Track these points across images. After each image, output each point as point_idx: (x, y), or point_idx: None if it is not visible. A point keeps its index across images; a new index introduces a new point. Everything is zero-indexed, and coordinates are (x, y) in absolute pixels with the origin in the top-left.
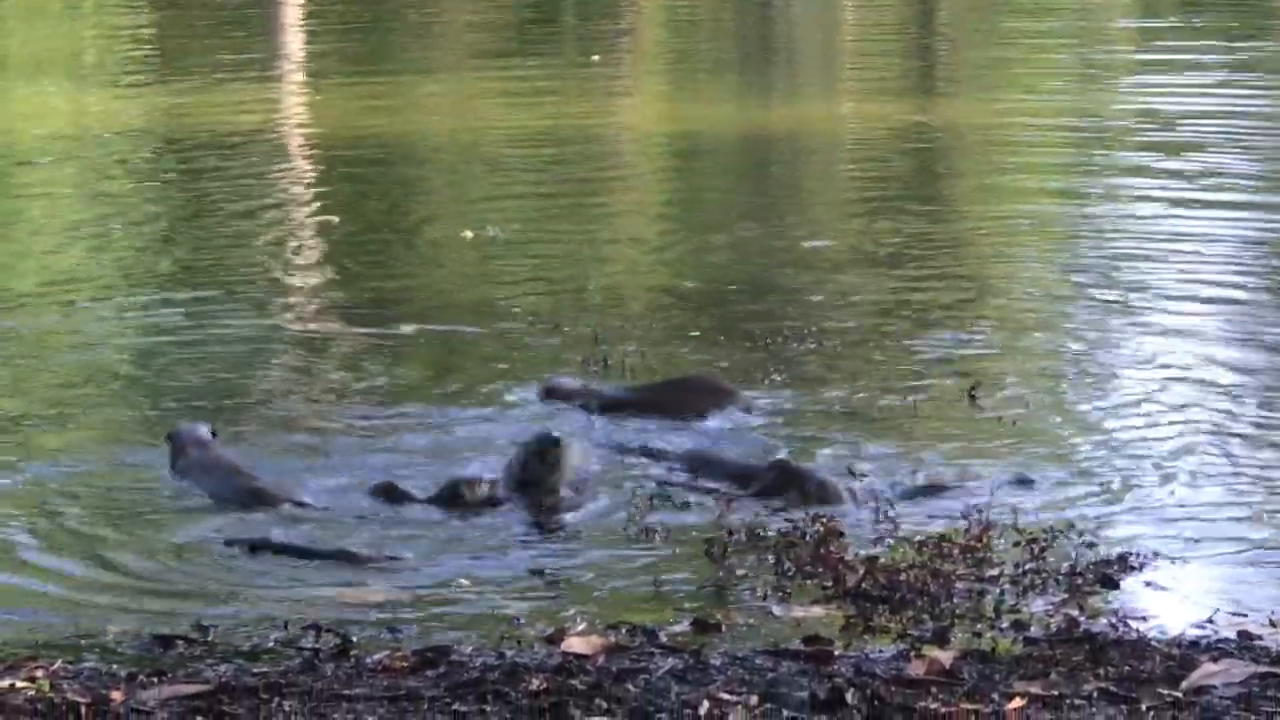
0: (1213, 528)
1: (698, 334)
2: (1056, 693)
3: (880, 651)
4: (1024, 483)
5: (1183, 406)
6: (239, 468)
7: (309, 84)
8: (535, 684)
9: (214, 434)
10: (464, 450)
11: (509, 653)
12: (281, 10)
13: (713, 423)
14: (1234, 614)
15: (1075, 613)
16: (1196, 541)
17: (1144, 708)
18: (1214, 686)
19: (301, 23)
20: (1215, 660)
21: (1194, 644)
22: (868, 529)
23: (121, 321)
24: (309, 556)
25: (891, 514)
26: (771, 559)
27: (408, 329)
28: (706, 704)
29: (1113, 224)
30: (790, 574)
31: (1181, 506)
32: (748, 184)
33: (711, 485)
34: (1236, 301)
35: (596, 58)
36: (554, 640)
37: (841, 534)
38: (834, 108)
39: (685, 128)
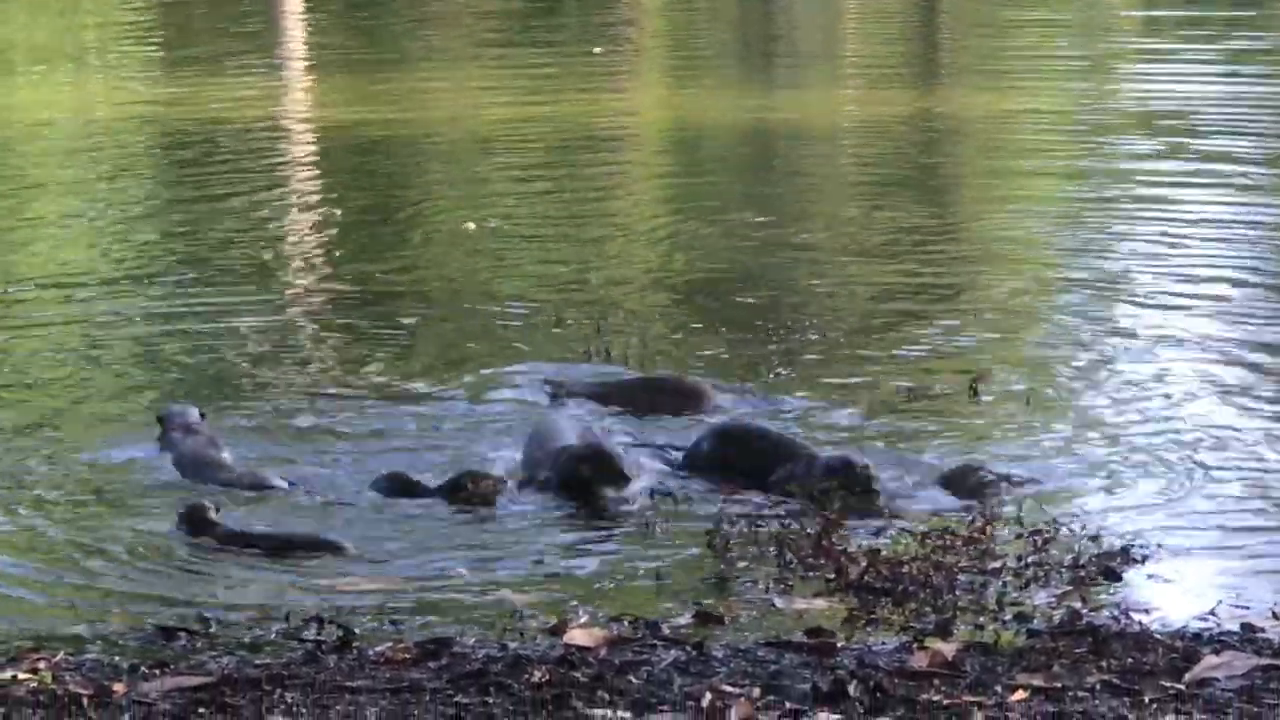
0: (1215, 520)
1: (700, 325)
2: (1059, 685)
3: (883, 644)
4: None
5: (1187, 398)
6: (212, 456)
7: (311, 75)
8: (537, 675)
9: (203, 415)
10: (463, 440)
11: (511, 644)
12: (284, 1)
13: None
14: (1236, 607)
15: (1078, 605)
16: (1199, 534)
17: (1147, 700)
18: (1216, 679)
19: (303, 14)
20: (1218, 653)
21: (1196, 636)
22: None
23: (121, 310)
24: (269, 543)
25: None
26: (773, 551)
27: (409, 319)
28: (709, 696)
29: (1116, 213)
30: (792, 566)
31: (1184, 499)
32: (749, 174)
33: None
34: (1242, 291)
35: (599, 49)
36: (556, 632)
37: (843, 526)
38: (835, 98)
39: (687, 118)
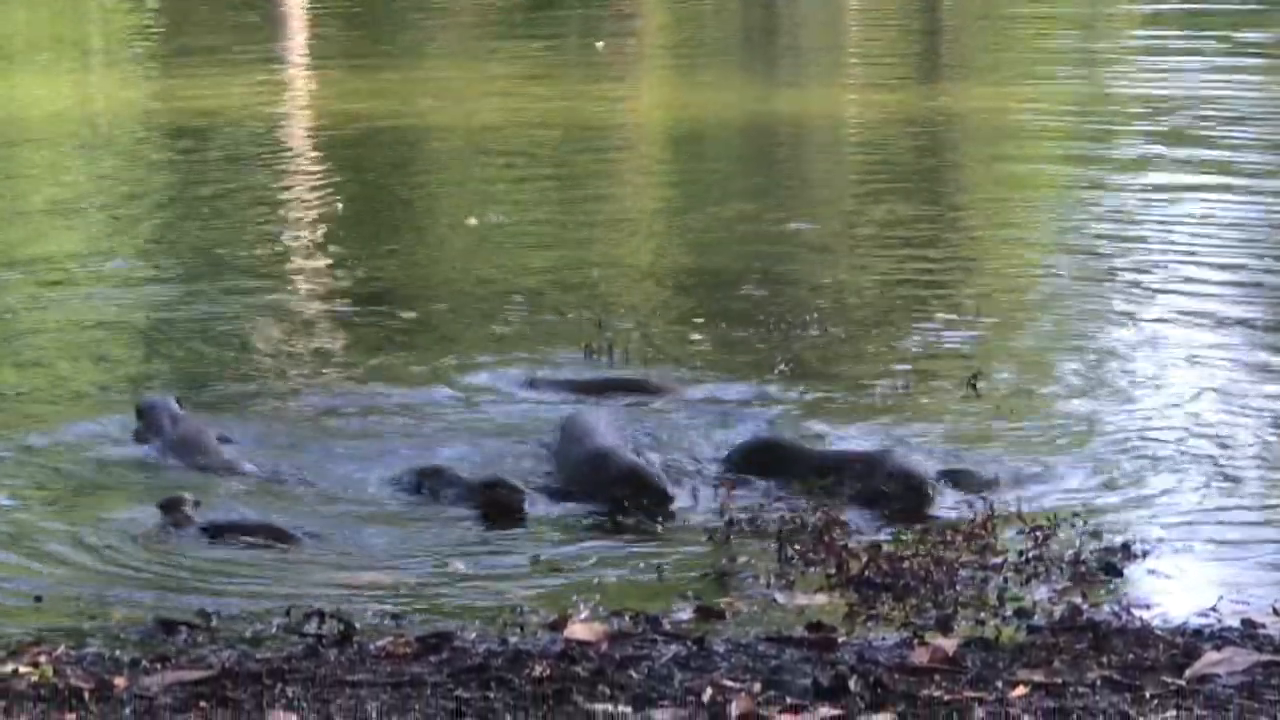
0: (1217, 516)
1: (701, 319)
2: (1060, 681)
3: (883, 639)
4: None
5: (1189, 393)
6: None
7: (312, 68)
8: (538, 670)
9: (180, 405)
10: (463, 435)
11: (512, 639)
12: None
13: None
14: (1238, 603)
15: (1078, 601)
16: (1200, 530)
17: (1147, 696)
18: (1217, 675)
19: (305, 9)
20: (1219, 649)
21: (1197, 632)
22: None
23: (120, 302)
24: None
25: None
26: (774, 546)
27: (409, 313)
28: (710, 690)
29: (1117, 209)
30: (793, 561)
31: (1186, 495)
32: (751, 169)
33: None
34: (1244, 287)
35: (601, 44)
36: (557, 627)
37: (843, 521)
38: (837, 92)
39: (689, 114)
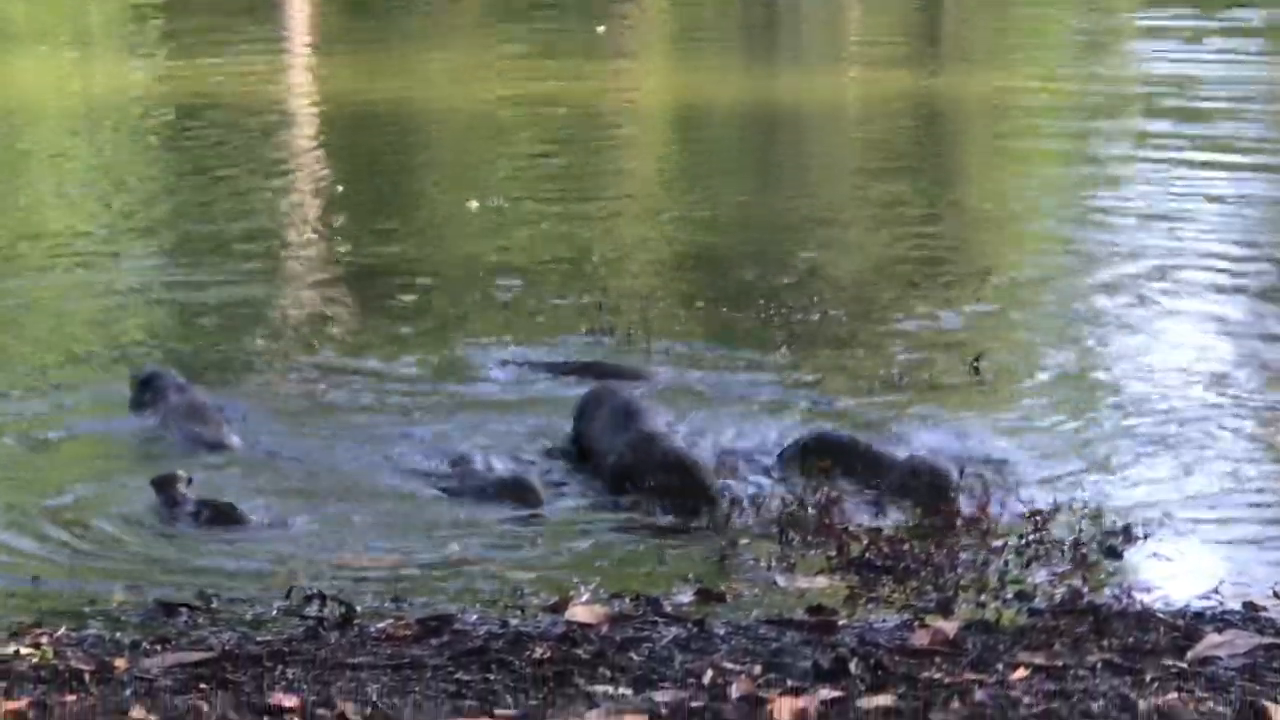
0: (1218, 499)
1: (702, 303)
2: (1060, 663)
3: (884, 621)
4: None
5: (1190, 375)
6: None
7: (313, 51)
8: (539, 652)
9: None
10: (464, 420)
11: (513, 621)
12: None
13: None
14: (1239, 585)
15: (1079, 584)
16: (1202, 513)
17: (1148, 678)
18: (1219, 657)
19: None
20: (1220, 631)
21: (1199, 615)
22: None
23: (120, 282)
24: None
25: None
26: (775, 530)
27: (410, 297)
28: (710, 673)
29: (1119, 190)
30: (794, 544)
31: (1187, 478)
32: (753, 152)
33: None
34: (1247, 266)
35: (602, 28)
36: (558, 609)
37: (844, 504)
38: (838, 75)
39: (690, 97)
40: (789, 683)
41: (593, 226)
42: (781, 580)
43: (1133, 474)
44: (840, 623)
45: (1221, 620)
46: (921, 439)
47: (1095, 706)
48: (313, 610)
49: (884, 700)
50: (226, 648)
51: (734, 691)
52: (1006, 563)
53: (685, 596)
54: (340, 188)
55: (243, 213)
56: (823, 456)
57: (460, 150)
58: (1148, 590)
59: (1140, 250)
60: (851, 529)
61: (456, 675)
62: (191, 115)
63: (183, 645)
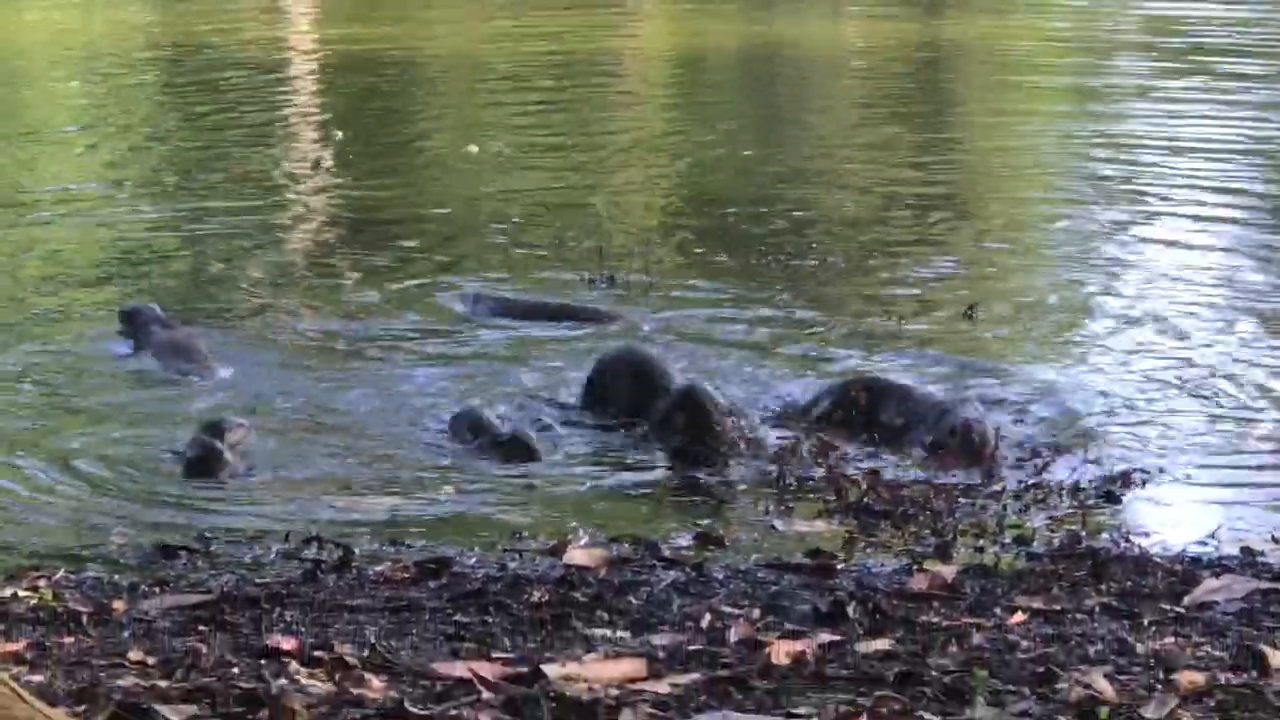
0: (1215, 445)
1: (702, 249)
2: (1058, 607)
3: (882, 566)
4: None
5: (1188, 323)
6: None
7: (317, 4)
8: (537, 595)
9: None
10: (460, 370)
11: (511, 565)
12: None
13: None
14: (1236, 531)
15: (1078, 529)
16: (1199, 458)
17: (1146, 622)
18: (1216, 602)
19: None
20: (1217, 576)
21: (1196, 560)
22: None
23: (118, 222)
24: None
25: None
26: (773, 474)
27: (410, 242)
28: (708, 616)
29: (1117, 135)
30: (792, 489)
31: (1184, 424)
32: (753, 100)
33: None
34: (1247, 214)
35: None
36: (556, 553)
37: (842, 448)
38: (839, 23)
39: (690, 44)
40: (787, 626)
41: (592, 172)
42: (780, 525)
43: (1131, 420)
44: (839, 567)
45: (1219, 565)
46: (917, 386)
47: (1093, 650)
48: (310, 553)
49: (882, 644)
50: (225, 590)
51: (732, 635)
52: (1005, 507)
53: (684, 541)
54: (339, 133)
55: (241, 156)
56: (861, 391)
57: (459, 96)
58: (1145, 535)
59: (1142, 193)
60: (850, 474)
61: (455, 618)
62: (190, 62)
63: (181, 588)
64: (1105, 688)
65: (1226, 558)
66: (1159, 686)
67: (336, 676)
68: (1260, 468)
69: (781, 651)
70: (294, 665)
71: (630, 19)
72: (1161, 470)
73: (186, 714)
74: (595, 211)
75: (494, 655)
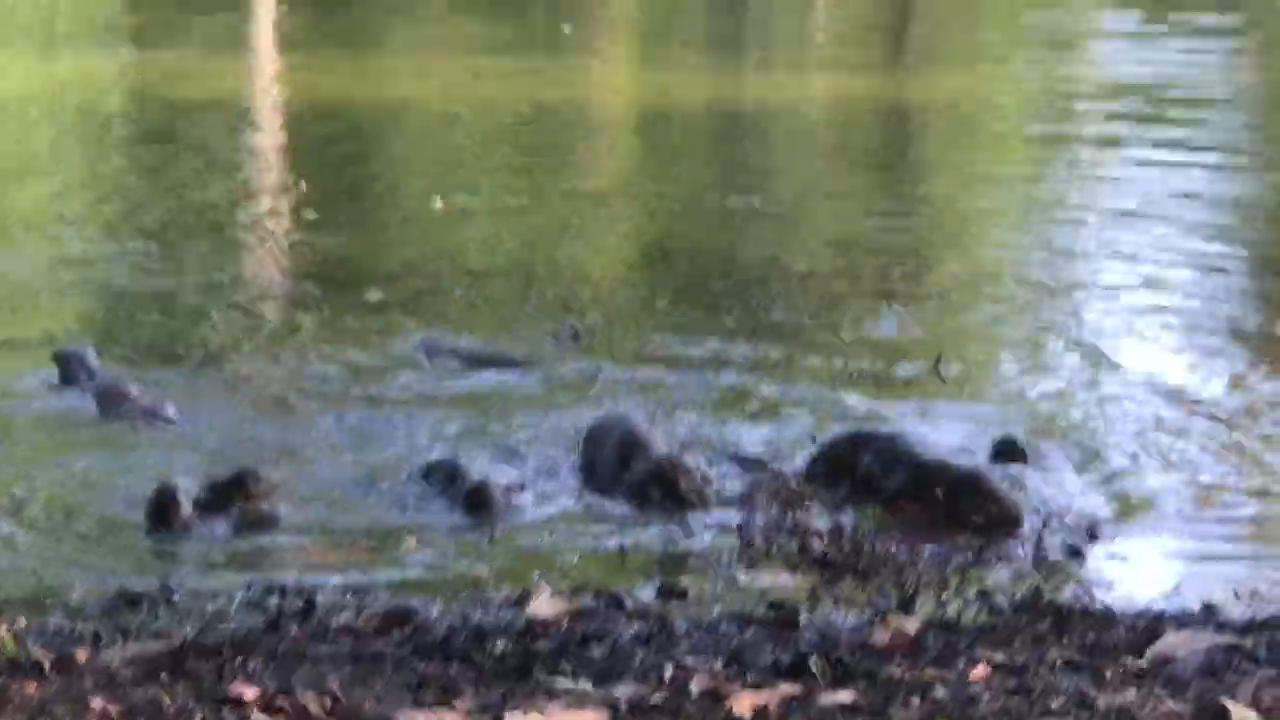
0: (1178, 500)
1: (666, 302)
2: (1020, 661)
3: (845, 619)
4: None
5: (1154, 377)
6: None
7: (278, 51)
8: (500, 646)
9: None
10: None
11: (474, 616)
12: None
13: None
14: (1199, 586)
15: (1041, 583)
16: (1162, 514)
17: (1108, 676)
18: (1178, 656)
19: None
20: (1179, 631)
21: (1158, 615)
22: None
23: (77, 271)
24: None
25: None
26: (737, 525)
27: (375, 295)
28: (671, 668)
29: (1085, 188)
30: (756, 541)
31: (1148, 479)
32: (719, 154)
33: None
34: (1211, 267)
35: (568, 27)
36: (519, 604)
37: (806, 502)
38: (806, 77)
39: (657, 97)
40: (749, 678)
41: (558, 226)
42: (743, 577)
43: (1094, 475)
44: (801, 620)
45: (1181, 620)
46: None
47: (1055, 704)
48: (273, 602)
49: (844, 697)
50: (187, 639)
51: (695, 686)
52: (968, 561)
53: (647, 593)
54: (304, 186)
55: (202, 205)
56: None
57: (425, 150)
58: (1109, 590)
59: (1106, 248)
60: (814, 526)
61: (418, 668)
62: (155, 113)
63: (143, 636)
64: None
65: (1188, 613)
66: None
67: None
68: (1223, 523)
69: (744, 703)
70: (256, 714)
71: (595, 71)
72: (1124, 526)
73: None
74: (560, 264)
75: (457, 705)
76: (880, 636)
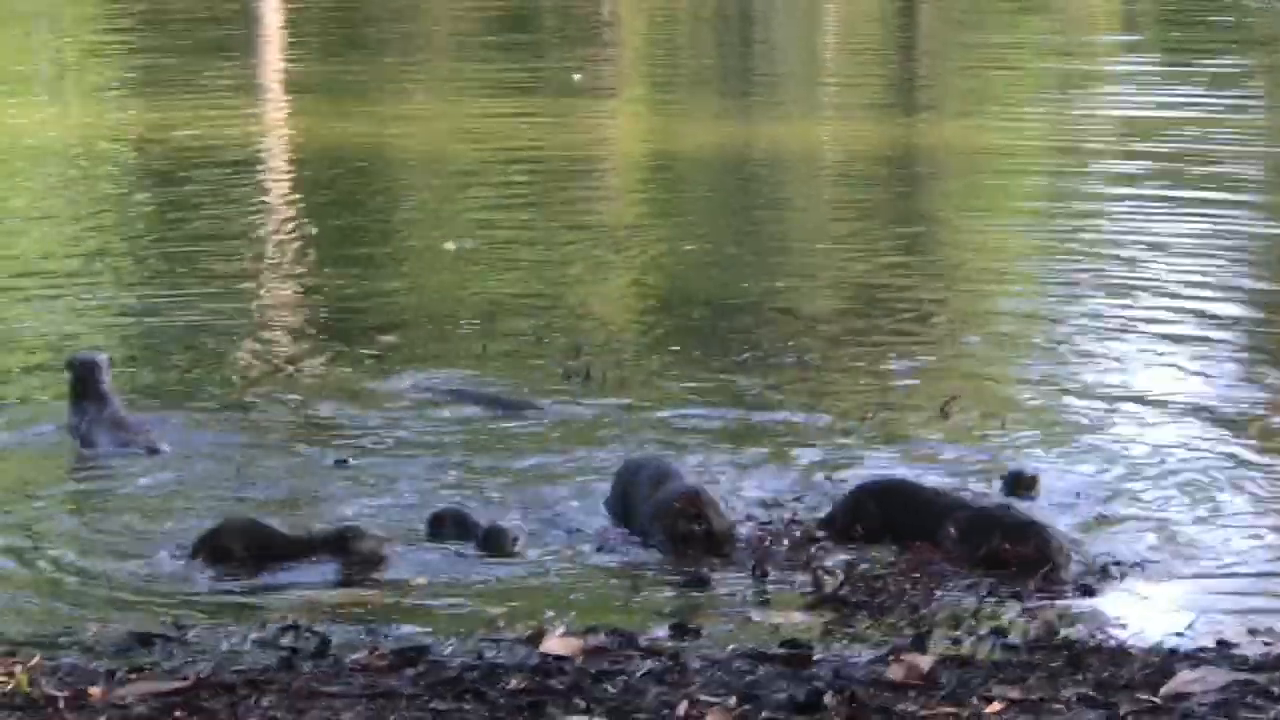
0: (1193, 537)
1: (677, 346)
2: (1035, 697)
3: (859, 656)
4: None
5: (1162, 418)
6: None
7: (288, 96)
8: (514, 683)
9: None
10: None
11: (488, 653)
12: (262, 28)
13: None
14: (1212, 623)
15: (1054, 620)
16: (1176, 551)
17: (1122, 713)
18: (1192, 693)
19: (282, 31)
20: (1194, 667)
21: (1172, 651)
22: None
23: (88, 314)
24: None
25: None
26: (750, 564)
27: (388, 339)
28: (685, 705)
29: (1093, 235)
30: (769, 579)
31: (1162, 516)
32: (728, 200)
33: None
34: (1222, 309)
35: (578, 75)
36: (533, 641)
37: (819, 539)
38: (814, 124)
39: (666, 144)
40: (764, 715)
41: (569, 271)
42: (757, 615)
43: (1107, 513)
44: (816, 657)
45: (1195, 656)
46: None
47: None
48: (288, 640)
49: None
50: (201, 676)
51: None
52: (982, 599)
53: (661, 630)
54: (314, 230)
55: (212, 249)
56: (887, 505)
57: (436, 194)
58: (1122, 626)
59: (1115, 289)
60: (828, 564)
61: (431, 705)
62: (163, 159)
63: (157, 674)
64: None
65: (1203, 649)
66: None
67: None
68: (1236, 560)
69: None
70: None
71: (604, 116)
72: (1138, 562)
73: None
74: (570, 308)
75: None
76: (895, 673)
